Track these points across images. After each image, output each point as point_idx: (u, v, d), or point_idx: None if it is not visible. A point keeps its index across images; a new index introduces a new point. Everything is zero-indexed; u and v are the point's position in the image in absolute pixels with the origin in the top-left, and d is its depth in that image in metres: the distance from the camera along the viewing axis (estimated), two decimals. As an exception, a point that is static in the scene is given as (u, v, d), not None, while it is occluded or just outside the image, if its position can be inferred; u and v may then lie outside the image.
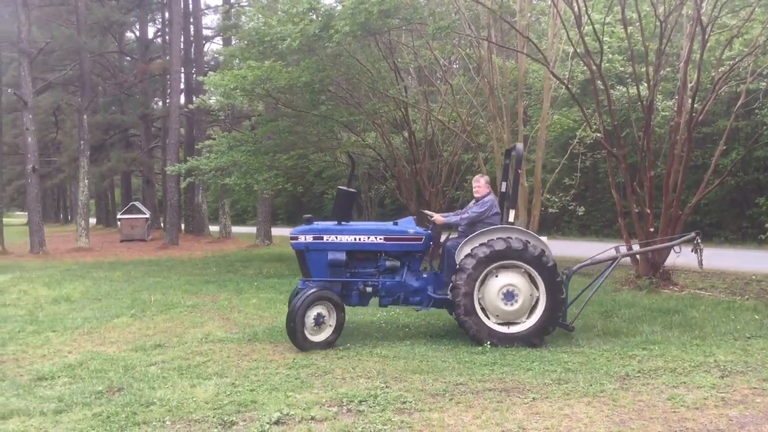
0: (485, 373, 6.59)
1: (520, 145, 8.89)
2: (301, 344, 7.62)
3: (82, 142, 28.32)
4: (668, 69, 16.77)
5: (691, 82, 12.88)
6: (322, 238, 8.18)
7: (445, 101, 18.79)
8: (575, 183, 18.96)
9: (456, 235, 8.93)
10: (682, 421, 5.03)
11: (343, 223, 8.33)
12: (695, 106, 12.58)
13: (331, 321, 7.84)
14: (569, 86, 14.22)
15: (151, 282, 14.81)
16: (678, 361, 6.93)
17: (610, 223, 25.92)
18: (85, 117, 28.14)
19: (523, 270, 7.99)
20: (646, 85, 13.32)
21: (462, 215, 8.60)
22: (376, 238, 8.25)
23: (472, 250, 7.93)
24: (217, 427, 5.03)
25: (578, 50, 13.08)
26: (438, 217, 8.59)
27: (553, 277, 8.00)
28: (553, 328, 8.07)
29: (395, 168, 20.03)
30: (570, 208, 19.32)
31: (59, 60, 33.89)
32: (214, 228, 34.74)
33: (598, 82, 12.93)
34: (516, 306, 7.90)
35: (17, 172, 44.32)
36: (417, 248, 8.35)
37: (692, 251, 8.63)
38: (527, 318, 7.97)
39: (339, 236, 8.21)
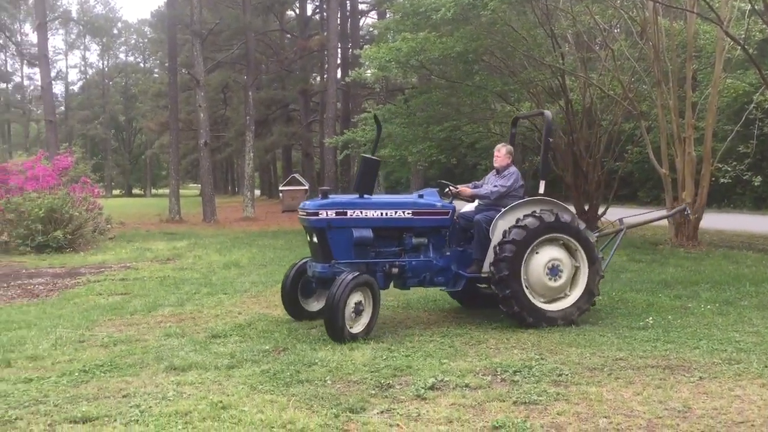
0: (647, 349, 6.33)
1: (548, 113, 8.27)
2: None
3: (247, 117, 29.96)
4: None
5: None
6: (345, 214, 7.25)
7: (605, 68, 17.93)
8: (751, 151, 17.50)
9: (469, 208, 8.25)
10: None
11: (365, 196, 7.47)
12: None
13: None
14: (745, 47, 13.08)
15: (311, 250, 15.45)
16: None
17: (791, 196, 23.75)
18: (250, 93, 29.72)
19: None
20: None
21: (491, 188, 7.92)
22: (403, 212, 7.49)
23: (509, 227, 7.40)
24: (374, 389, 5.20)
25: (756, 7, 11.97)
26: (465, 189, 7.97)
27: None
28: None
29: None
30: (744, 177, 17.89)
31: (227, 40, 35.96)
32: (368, 199, 35.54)
33: (780, 40, 11.79)
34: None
35: (191, 147, 47.76)
36: (444, 223, 7.70)
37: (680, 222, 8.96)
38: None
39: (364, 211, 7.34)
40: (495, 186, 7.90)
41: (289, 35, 44.31)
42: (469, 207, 8.30)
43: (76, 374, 5.64)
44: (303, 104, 40.99)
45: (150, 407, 4.78)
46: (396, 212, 7.47)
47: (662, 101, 14.91)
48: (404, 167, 24.63)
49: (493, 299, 7.77)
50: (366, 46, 18.89)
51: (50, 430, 4.40)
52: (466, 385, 5.25)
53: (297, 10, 43.61)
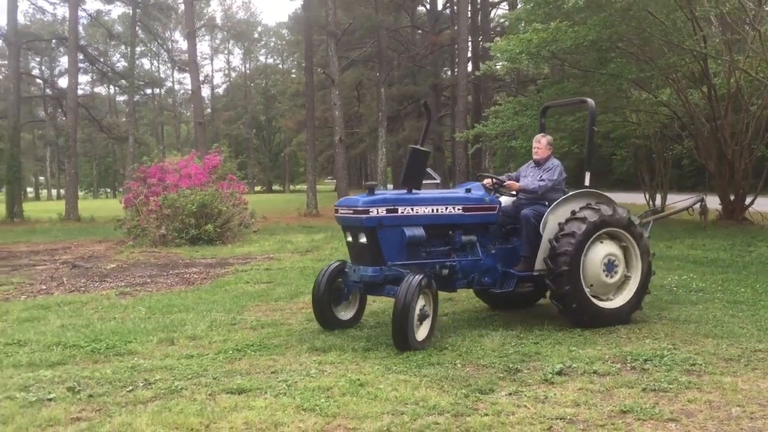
0: (790, 341, 6.10)
1: (591, 101, 7.76)
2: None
3: (379, 113, 30.76)
4: None
5: None
6: (396, 211, 6.58)
7: (753, 50, 16.90)
8: None
9: (505, 203, 7.64)
10: None
11: (414, 191, 6.87)
12: None
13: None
14: None
15: (443, 242, 15.72)
16: None
17: None
18: (382, 90, 30.49)
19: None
20: None
21: (538, 181, 7.41)
22: (454, 208, 6.93)
23: (565, 221, 6.99)
24: (502, 373, 5.40)
25: None
26: (513, 184, 7.46)
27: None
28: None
29: (692, 126, 18.63)
30: None
31: (360, 38, 37.01)
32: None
33: None
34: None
35: (327, 144, 49.52)
36: (492, 219, 7.21)
37: (699, 212, 9.44)
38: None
39: (415, 207, 6.71)
40: (542, 179, 7.46)
41: (420, 31, 44.84)
42: (504, 201, 7.74)
43: (231, 352, 6.21)
44: (434, 98, 41.34)
45: (295, 382, 5.24)
46: (447, 208, 6.94)
47: (817, 82, 13.91)
48: (536, 159, 24.46)
49: (529, 298, 7.82)
50: (496, 39, 18.88)
51: (211, 398, 4.94)
52: (594, 372, 5.33)
53: (428, 6, 44.04)
